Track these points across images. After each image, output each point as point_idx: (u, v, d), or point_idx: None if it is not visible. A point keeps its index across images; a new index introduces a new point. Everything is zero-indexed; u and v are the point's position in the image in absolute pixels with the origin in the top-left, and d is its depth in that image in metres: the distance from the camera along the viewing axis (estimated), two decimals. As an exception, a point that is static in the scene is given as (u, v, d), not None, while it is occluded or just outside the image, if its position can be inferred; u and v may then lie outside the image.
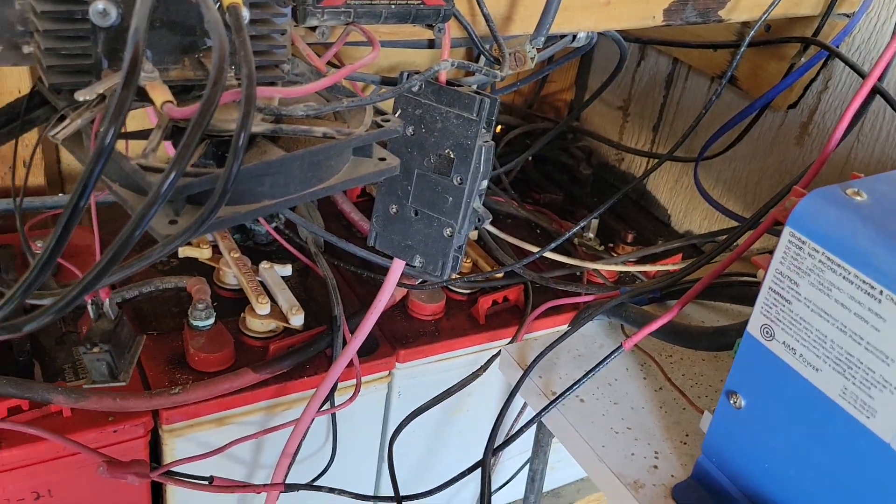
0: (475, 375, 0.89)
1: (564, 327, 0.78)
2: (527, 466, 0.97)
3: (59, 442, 0.70)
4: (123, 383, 0.61)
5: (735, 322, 0.64)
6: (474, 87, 0.65)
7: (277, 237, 0.97)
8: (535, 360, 0.71)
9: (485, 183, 0.67)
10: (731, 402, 0.56)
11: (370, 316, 0.73)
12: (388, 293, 0.72)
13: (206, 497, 0.84)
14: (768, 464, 0.55)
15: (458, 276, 0.99)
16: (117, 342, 0.59)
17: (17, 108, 0.51)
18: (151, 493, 0.83)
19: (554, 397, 0.68)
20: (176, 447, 0.80)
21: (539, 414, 0.68)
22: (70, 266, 0.93)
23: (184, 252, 0.95)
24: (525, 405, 0.97)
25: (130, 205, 0.45)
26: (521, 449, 1.08)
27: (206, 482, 0.76)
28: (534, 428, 0.88)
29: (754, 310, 0.53)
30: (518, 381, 0.70)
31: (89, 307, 0.49)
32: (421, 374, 0.93)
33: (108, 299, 0.51)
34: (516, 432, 0.70)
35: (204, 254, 0.95)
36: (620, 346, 0.67)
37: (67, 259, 0.94)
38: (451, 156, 0.66)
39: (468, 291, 1.00)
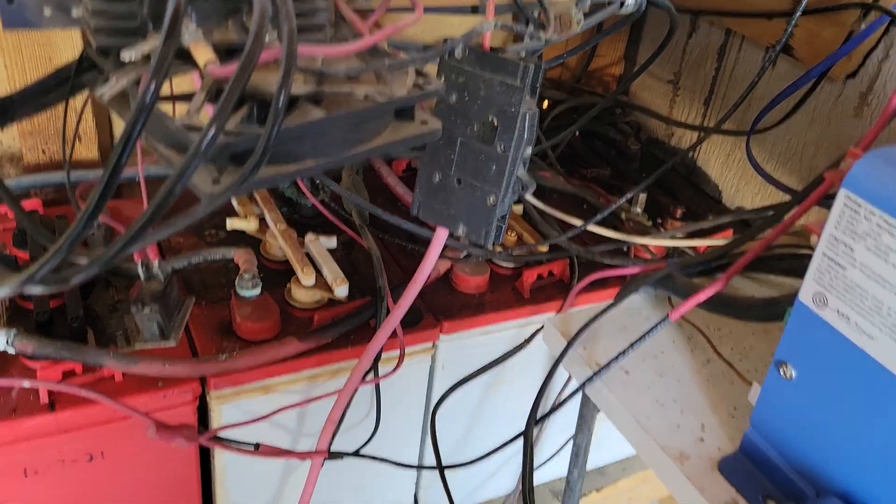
0: (519, 347, 0.89)
1: (610, 302, 0.77)
2: (570, 443, 0.97)
3: (111, 405, 0.71)
4: (173, 343, 0.62)
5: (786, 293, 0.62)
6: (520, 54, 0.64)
7: (323, 210, 0.98)
8: (579, 331, 0.71)
9: (528, 150, 0.66)
10: (781, 372, 0.54)
11: (414, 285, 0.73)
12: (431, 262, 0.72)
13: (251, 463, 0.86)
14: (819, 436, 0.53)
15: (502, 250, 0.98)
16: (167, 303, 0.60)
17: (66, 72, 0.52)
18: (199, 459, 0.85)
19: (598, 368, 0.67)
20: (223, 414, 0.81)
21: (583, 384, 0.67)
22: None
23: (231, 224, 0.97)
24: (568, 380, 0.96)
25: (174, 163, 0.45)
26: (565, 426, 1.07)
27: (253, 447, 0.77)
28: (578, 402, 0.87)
29: (806, 277, 0.51)
30: (562, 352, 0.70)
31: (140, 268, 0.50)
32: (464, 346, 0.93)
33: (157, 261, 0.51)
34: (560, 403, 0.69)
35: (251, 226, 0.97)
36: (667, 317, 0.66)
37: (119, 235, 0.96)
38: (495, 123, 0.65)
39: (513, 265, 0.99)
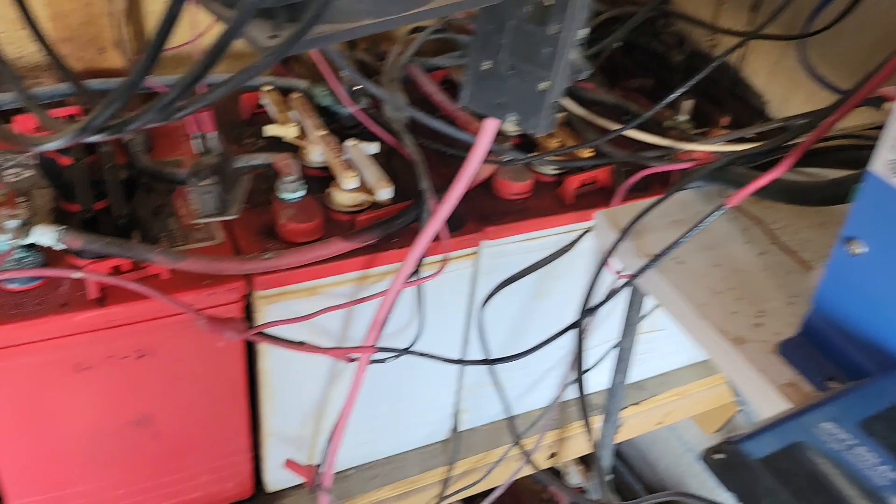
0: (567, 248, 0.87)
1: (661, 197, 0.75)
2: (608, 357, 0.96)
3: (161, 300, 0.72)
4: (234, 216, 0.62)
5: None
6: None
7: (362, 117, 0.96)
8: (631, 223, 0.69)
9: (582, 32, 0.64)
10: (849, 249, 0.53)
11: (461, 180, 0.72)
12: (480, 155, 0.70)
13: (296, 364, 0.86)
14: (891, 311, 0.52)
15: (540, 154, 0.96)
16: (224, 177, 0.59)
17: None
18: (246, 358, 0.85)
19: (652, 258, 0.66)
20: (268, 314, 0.81)
21: (637, 273, 0.66)
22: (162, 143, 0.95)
23: (270, 131, 0.95)
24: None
25: (227, 17, 0.44)
26: (607, 337, 1.06)
27: (299, 344, 0.77)
28: (625, 305, 0.86)
29: (880, 146, 0.49)
30: (613, 244, 0.68)
31: (194, 141, 0.49)
32: (507, 252, 0.92)
33: (214, 133, 0.50)
34: (611, 292, 0.68)
35: (290, 132, 0.95)
36: (723, 204, 0.64)
37: (160, 138, 0.96)
38: (547, 3, 0.62)
39: (556, 172, 0.97)
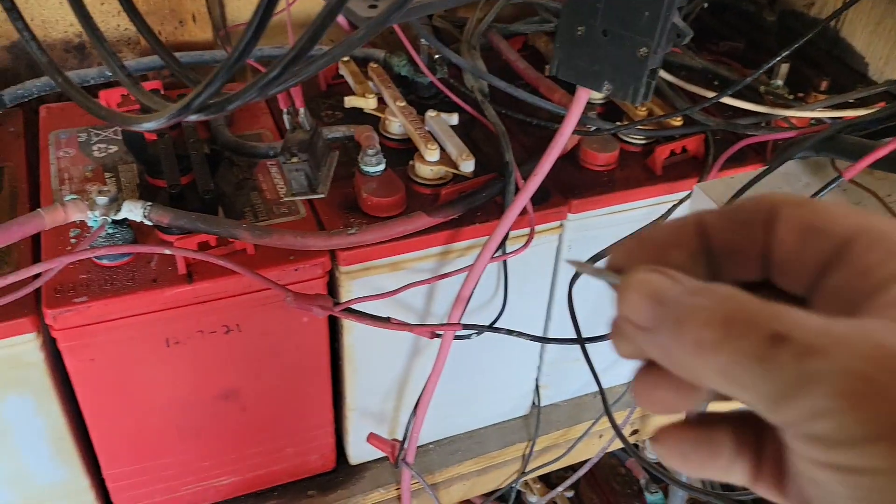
0: (661, 220, 0.84)
1: (764, 168, 0.71)
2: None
3: (249, 276, 0.71)
4: (322, 195, 0.61)
5: None
6: None
7: (442, 87, 0.94)
8: (733, 197, 0.65)
9: (686, -7, 0.60)
10: None
11: (550, 152, 0.69)
12: (571, 125, 0.67)
13: (379, 340, 0.85)
14: None
15: (629, 124, 0.93)
16: (314, 153, 0.58)
17: None
18: (329, 334, 0.85)
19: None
20: (352, 289, 0.81)
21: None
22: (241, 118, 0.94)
23: (349, 102, 0.94)
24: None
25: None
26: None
27: (385, 320, 0.76)
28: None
29: None
30: (715, 218, 0.65)
31: (285, 116, 0.48)
32: (593, 225, 0.89)
33: (303, 108, 0.49)
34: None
35: (369, 104, 0.94)
36: (839, 175, 0.60)
37: (240, 112, 0.95)
38: (649, -37, 0.59)
39: (643, 141, 0.93)
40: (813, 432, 0.22)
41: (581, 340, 0.72)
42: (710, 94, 0.94)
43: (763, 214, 0.29)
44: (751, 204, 0.30)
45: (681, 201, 0.86)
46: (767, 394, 0.23)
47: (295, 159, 0.55)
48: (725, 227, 0.30)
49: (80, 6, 0.46)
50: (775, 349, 0.23)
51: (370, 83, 0.96)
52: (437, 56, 0.96)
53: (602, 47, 0.63)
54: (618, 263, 0.30)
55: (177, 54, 0.98)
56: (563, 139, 0.68)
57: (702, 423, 0.29)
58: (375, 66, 0.98)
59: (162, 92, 0.95)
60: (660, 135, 0.92)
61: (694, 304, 0.25)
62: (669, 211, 0.84)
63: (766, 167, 0.69)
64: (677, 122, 0.93)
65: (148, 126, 0.37)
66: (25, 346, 0.70)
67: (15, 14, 0.46)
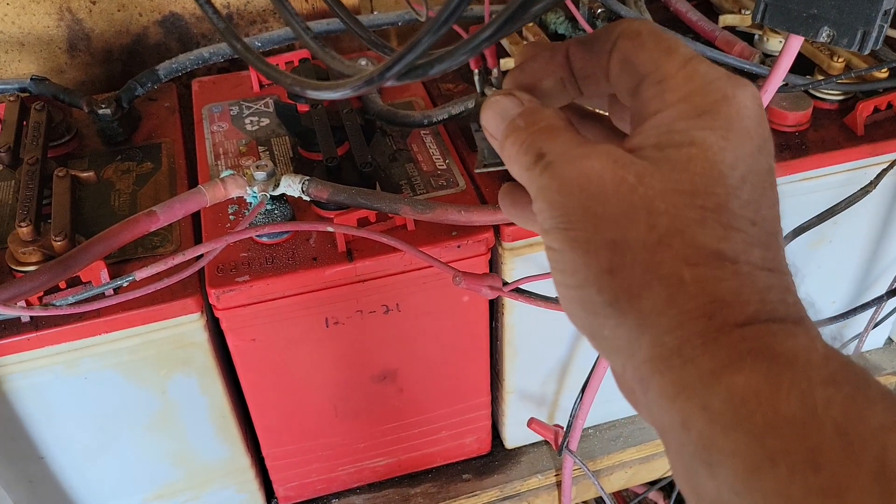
0: (863, 192, 0.74)
1: None
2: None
3: (412, 253, 0.67)
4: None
5: None
6: None
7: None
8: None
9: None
10: None
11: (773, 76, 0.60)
12: (779, 79, 0.58)
13: (543, 321, 0.79)
14: None
15: (826, 79, 0.81)
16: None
17: None
18: (489, 313, 0.80)
19: None
20: (515, 267, 0.75)
21: None
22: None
23: (505, 65, 0.88)
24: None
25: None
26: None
27: (555, 301, 0.70)
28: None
29: None
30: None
31: (476, 77, 0.43)
32: (787, 193, 0.79)
33: (496, 68, 0.43)
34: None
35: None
36: None
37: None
38: None
39: (841, 97, 0.82)
40: (539, 221, 0.32)
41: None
42: (920, 40, 0.81)
43: (608, 44, 0.34)
44: (601, 33, 0.35)
45: (890, 165, 0.75)
46: (532, 194, 0.32)
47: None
48: (582, 56, 0.36)
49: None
50: (535, 164, 0.32)
51: (525, 44, 0.89)
52: (599, 10, 0.87)
53: (822, -15, 0.54)
54: (505, 89, 0.37)
55: (322, 21, 0.94)
56: (770, 94, 0.59)
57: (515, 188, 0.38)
58: (531, 24, 0.91)
59: (312, 62, 0.91)
60: (860, 89, 0.81)
61: (515, 124, 0.34)
62: (878, 177, 0.73)
63: None
64: (882, 74, 0.81)
65: (342, 93, 0.33)
66: (190, 326, 0.69)
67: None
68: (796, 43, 0.57)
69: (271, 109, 0.87)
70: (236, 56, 0.93)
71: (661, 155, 0.30)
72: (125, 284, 0.62)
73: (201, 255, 0.66)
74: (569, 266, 0.31)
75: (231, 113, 0.87)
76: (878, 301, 0.80)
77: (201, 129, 0.85)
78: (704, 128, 0.30)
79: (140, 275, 0.61)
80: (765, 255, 0.30)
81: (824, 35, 0.56)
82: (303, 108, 0.82)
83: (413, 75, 0.32)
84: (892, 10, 0.54)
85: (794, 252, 0.86)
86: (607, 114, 0.40)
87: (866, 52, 0.57)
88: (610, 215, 0.30)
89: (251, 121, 0.86)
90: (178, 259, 0.62)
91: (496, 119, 0.35)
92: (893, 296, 0.79)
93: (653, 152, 0.31)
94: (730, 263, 0.29)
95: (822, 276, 0.89)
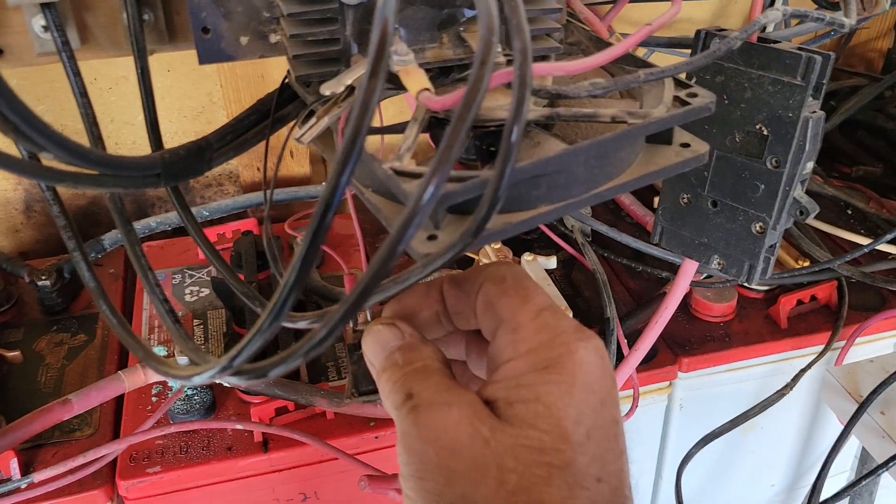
0: (779, 395, 0.74)
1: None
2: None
3: (321, 448, 0.67)
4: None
5: None
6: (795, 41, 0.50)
7: (542, 227, 0.89)
8: (874, 391, 0.56)
9: (810, 165, 0.52)
10: None
11: (653, 327, 0.62)
12: (675, 301, 0.60)
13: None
14: None
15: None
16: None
17: (267, 104, 0.46)
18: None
19: (905, 443, 0.52)
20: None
21: (885, 465, 0.52)
22: (334, 255, 0.92)
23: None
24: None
25: (385, 215, 0.37)
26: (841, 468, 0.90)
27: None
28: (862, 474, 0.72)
29: None
30: (851, 418, 0.55)
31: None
32: (707, 385, 0.80)
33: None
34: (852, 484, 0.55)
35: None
36: None
37: (333, 249, 0.93)
38: (765, 132, 0.52)
39: (765, 288, 0.84)
40: (399, 464, 0.32)
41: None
42: (842, 232, 0.84)
43: (475, 286, 0.36)
44: (471, 273, 0.37)
45: (811, 363, 0.75)
46: (398, 434, 0.33)
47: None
48: (454, 294, 0.38)
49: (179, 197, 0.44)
50: (403, 404, 0.33)
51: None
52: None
53: (711, 219, 0.56)
54: (385, 318, 0.38)
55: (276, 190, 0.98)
56: (665, 318, 0.60)
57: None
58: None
59: (256, 231, 0.94)
60: (784, 282, 0.83)
61: (392, 359, 0.35)
62: (795, 379, 0.74)
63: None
64: (802, 263, 0.83)
65: (200, 379, 0.34)
66: (99, 517, 0.68)
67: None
68: (691, 267, 0.59)
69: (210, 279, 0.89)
70: (182, 225, 0.96)
71: (511, 412, 0.32)
72: (23, 486, 0.62)
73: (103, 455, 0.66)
74: None
75: (173, 282, 0.89)
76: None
77: (140, 299, 0.87)
78: (549, 382, 0.32)
79: (38, 477, 0.61)
80: None
81: (715, 263, 0.58)
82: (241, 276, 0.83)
83: (253, 379, 0.33)
84: (779, 244, 0.56)
85: (727, 437, 0.86)
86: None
87: (754, 284, 0.59)
88: (462, 470, 0.30)
89: (191, 290, 0.88)
90: (80, 461, 0.62)
91: (377, 349, 0.36)
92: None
93: (504, 407, 0.32)
94: None
95: (757, 460, 0.89)
